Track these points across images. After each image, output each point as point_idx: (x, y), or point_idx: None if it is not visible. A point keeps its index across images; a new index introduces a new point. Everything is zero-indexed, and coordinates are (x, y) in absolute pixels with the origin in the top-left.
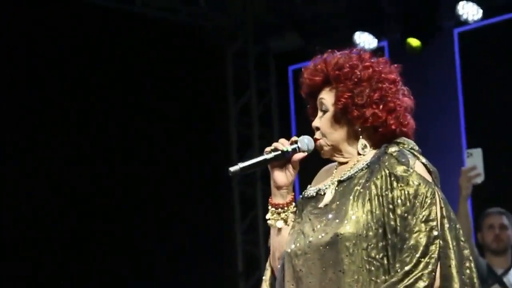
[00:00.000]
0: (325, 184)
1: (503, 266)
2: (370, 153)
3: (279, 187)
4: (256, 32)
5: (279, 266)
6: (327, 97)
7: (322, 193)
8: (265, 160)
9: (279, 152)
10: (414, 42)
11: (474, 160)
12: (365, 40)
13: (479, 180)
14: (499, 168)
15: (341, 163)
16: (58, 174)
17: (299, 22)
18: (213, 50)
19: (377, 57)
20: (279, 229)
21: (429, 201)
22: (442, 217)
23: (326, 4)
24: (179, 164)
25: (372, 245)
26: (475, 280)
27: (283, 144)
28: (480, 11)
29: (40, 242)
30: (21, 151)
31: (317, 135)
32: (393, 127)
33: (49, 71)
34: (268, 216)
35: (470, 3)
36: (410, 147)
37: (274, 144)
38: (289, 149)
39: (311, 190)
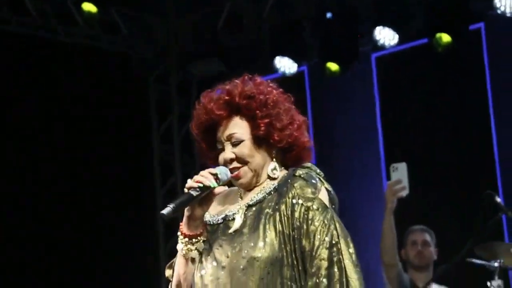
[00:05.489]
0: (232, 210)
1: (425, 281)
2: (279, 176)
3: (195, 219)
4: (179, 59)
5: None
6: (238, 129)
7: (231, 219)
8: (192, 197)
9: (206, 187)
10: (333, 66)
11: (399, 174)
12: (285, 65)
13: (404, 193)
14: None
15: (248, 189)
16: None
17: (222, 50)
18: (136, 77)
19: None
20: (193, 259)
21: (327, 228)
22: (338, 242)
23: (248, 32)
24: (105, 189)
25: (285, 267)
26: None
27: (207, 178)
28: (396, 36)
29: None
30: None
31: (235, 164)
32: (306, 144)
33: None
34: (180, 247)
35: (387, 29)
36: (317, 171)
37: (199, 179)
38: (216, 185)
39: (216, 217)
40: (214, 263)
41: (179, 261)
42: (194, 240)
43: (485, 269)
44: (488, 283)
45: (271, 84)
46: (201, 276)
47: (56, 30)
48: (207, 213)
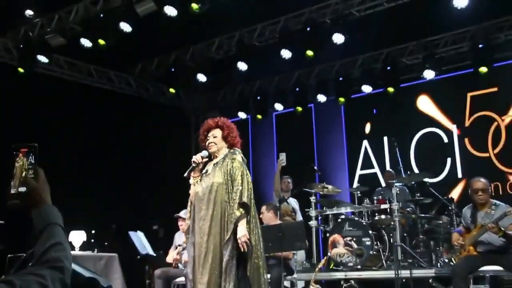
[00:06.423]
0: (210, 166)
1: (288, 197)
2: (227, 152)
3: (196, 172)
4: (202, 111)
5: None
6: (216, 132)
7: (208, 169)
8: (193, 166)
9: (198, 162)
10: (259, 116)
11: (282, 156)
12: (241, 115)
13: (284, 164)
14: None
15: (216, 156)
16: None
17: (217, 106)
18: (183, 117)
19: (226, 118)
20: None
21: (240, 170)
22: (243, 175)
23: (233, 101)
24: (162, 164)
25: (224, 187)
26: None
27: (197, 159)
28: (282, 106)
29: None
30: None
31: (213, 145)
32: (238, 142)
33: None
34: (191, 181)
35: (279, 104)
36: (239, 150)
37: (195, 158)
38: (201, 160)
39: (205, 169)
40: (201, 186)
41: (191, 188)
42: (195, 179)
43: (308, 193)
44: (311, 198)
45: (227, 120)
46: (197, 193)
47: (152, 93)
48: (203, 169)
